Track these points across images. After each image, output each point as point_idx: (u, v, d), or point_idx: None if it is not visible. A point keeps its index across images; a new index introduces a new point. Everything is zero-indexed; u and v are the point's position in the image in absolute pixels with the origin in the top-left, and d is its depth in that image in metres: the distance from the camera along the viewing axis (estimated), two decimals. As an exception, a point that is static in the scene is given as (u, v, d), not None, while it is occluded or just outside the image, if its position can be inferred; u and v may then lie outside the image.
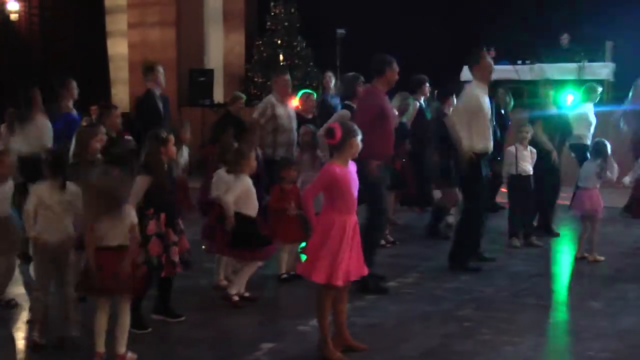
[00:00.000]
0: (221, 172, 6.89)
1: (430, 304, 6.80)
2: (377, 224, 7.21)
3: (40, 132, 8.09)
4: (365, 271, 5.58)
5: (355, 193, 5.45)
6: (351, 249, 5.36)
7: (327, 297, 5.40)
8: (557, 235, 9.58)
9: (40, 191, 5.58)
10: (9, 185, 6.34)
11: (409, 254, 8.72)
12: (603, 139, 8.60)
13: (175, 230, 5.91)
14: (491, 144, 7.83)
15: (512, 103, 10.63)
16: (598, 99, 10.61)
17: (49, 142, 8.06)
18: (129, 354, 5.33)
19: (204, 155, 8.42)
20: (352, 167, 5.52)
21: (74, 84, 9.04)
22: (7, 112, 8.99)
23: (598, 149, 8.40)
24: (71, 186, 5.60)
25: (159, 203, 5.77)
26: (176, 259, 5.86)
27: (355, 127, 5.53)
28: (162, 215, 5.77)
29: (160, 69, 9.13)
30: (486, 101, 7.78)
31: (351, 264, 5.36)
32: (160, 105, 9.00)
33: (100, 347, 5.24)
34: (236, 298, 6.63)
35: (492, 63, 7.89)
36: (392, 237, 9.09)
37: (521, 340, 5.81)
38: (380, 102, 7.19)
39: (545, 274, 7.98)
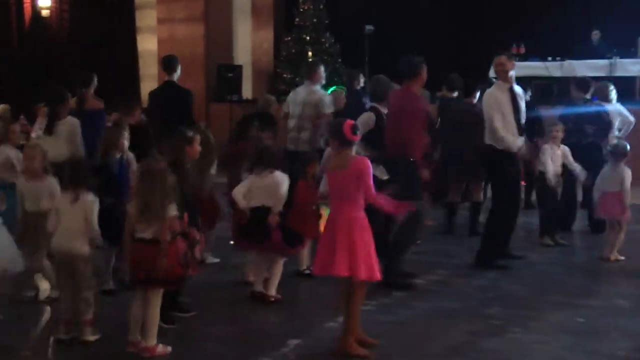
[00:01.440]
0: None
1: (457, 302, 6.77)
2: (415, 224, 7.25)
3: (70, 132, 8.11)
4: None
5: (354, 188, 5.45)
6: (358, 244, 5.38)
7: (362, 292, 5.47)
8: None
9: (59, 201, 5.66)
10: (47, 183, 6.38)
11: (434, 251, 8.68)
12: (623, 142, 8.54)
13: (197, 228, 5.95)
14: (517, 140, 7.77)
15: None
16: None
17: (78, 142, 8.06)
18: (160, 347, 5.38)
19: (232, 152, 8.42)
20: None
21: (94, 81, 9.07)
22: (38, 108, 9.05)
23: (618, 152, 8.30)
24: (87, 196, 5.63)
25: (183, 202, 5.78)
26: (199, 257, 5.90)
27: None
28: (185, 215, 5.79)
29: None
30: (505, 99, 7.73)
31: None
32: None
33: (135, 337, 5.32)
34: (274, 295, 6.68)
35: (505, 61, 7.82)
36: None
37: (549, 339, 5.77)
38: (425, 106, 7.27)
39: (574, 273, 7.90)
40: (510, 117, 7.70)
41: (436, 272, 7.75)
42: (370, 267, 5.36)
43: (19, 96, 16.15)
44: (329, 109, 9.25)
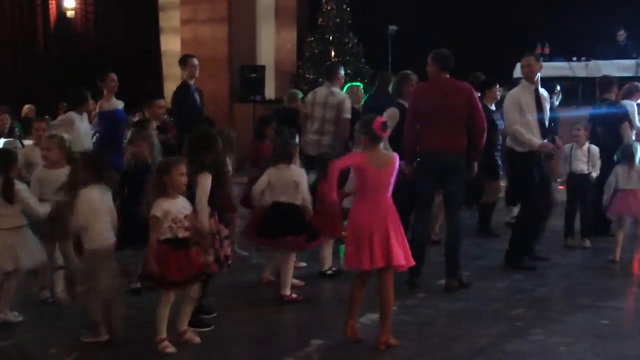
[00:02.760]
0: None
1: (481, 303, 6.73)
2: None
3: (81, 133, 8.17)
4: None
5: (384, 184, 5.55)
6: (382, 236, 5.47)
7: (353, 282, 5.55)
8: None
9: (89, 199, 5.57)
10: (64, 171, 6.40)
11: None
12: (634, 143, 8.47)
13: (225, 225, 5.97)
14: (540, 141, 7.72)
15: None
16: None
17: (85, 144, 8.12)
18: (189, 334, 5.47)
19: (252, 151, 8.46)
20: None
21: (113, 76, 9.14)
22: (61, 107, 9.14)
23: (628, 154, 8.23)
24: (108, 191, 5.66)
25: (214, 201, 5.79)
26: (229, 253, 5.91)
27: (366, 123, 5.60)
28: (215, 212, 5.81)
29: (195, 62, 9.29)
30: (530, 99, 7.67)
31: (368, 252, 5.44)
32: (197, 97, 9.17)
33: (163, 334, 5.36)
34: (289, 295, 6.68)
35: (533, 62, 7.76)
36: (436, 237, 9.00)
37: (574, 341, 5.72)
38: None
39: (599, 274, 7.83)
40: (534, 118, 7.66)
41: (461, 273, 7.69)
42: (408, 254, 5.62)
43: (45, 96, 16.31)
44: (348, 114, 9.19)
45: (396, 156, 5.64)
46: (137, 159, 6.73)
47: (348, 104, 9.27)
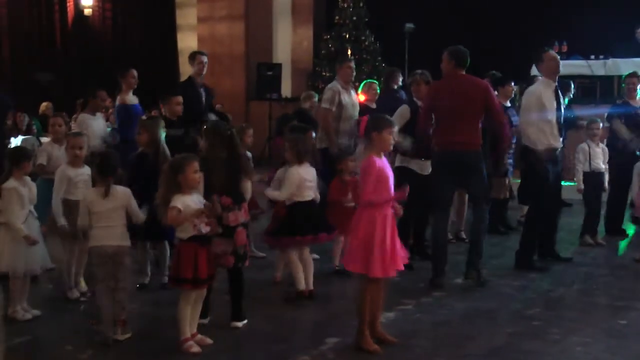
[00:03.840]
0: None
1: (497, 302, 6.69)
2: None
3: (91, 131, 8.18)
4: (401, 266, 5.50)
5: (392, 187, 5.41)
6: (390, 242, 5.34)
7: (369, 289, 5.41)
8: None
9: (90, 198, 5.66)
10: (86, 170, 6.47)
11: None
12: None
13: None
14: (558, 140, 7.68)
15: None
16: None
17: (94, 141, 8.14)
18: (199, 336, 5.44)
19: (273, 147, 8.47)
20: (385, 160, 5.48)
21: (134, 72, 9.17)
22: (78, 103, 9.18)
23: None
24: (117, 189, 5.66)
25: (236, 194, 5.78)
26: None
27: (384, 121, 5.44)
28: (244, 205, 5.80)
29: (203, 58, 9.29)
30: (550, 97, 7.63)
31: (390, 257, 5.34)
32: (203, 93, 9.17)
33: (186, 334, 5.34)
34: (302, 291, 6.67)
35: (557, 58, 7.72)
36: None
37: (592, 341, 5.67)
38: None
39: (617, 274, 7.77)
40: (554, 116, 7.61)
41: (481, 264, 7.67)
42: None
43: (62, 94, 16.38)
44: (325, 104, 9.09)
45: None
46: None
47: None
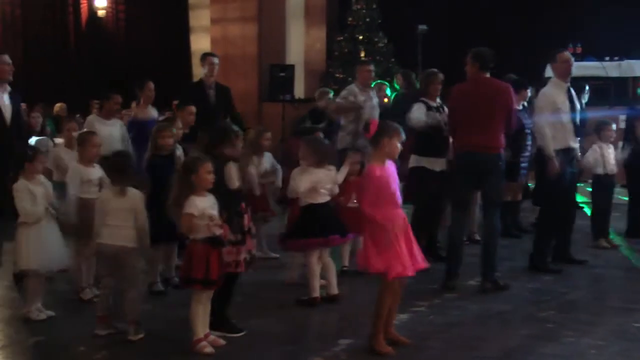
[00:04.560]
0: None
1: (510, 304, 6.67)
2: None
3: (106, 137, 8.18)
4: (423, 265, 5.50)
5: (397, 190, 5.40)
6: (405, 243, 5.35)
7: (390, 291, 5.41)
8: None
9: (104, 196, 5.72)
10: (96, 171, 6.49)
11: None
12: None
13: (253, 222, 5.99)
14: (572, 141, 7.65)
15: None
16: None
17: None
18: (212, 337, 5.43)
19: (287, 148, 8.47)
20: (390, 165, 5.45)
21: (151, 85, 9.03)
22: (92, 104, 9.17)
23: None
24: (132, 191, 5.69)
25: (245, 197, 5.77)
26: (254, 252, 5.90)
27: (395, 128, 5.43)
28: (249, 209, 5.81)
29: (213, 60, 9.30)
30: (563, 98, 7.59)
31: (407, 257, 5.34)
32: (212, 94, 9.15)
33: (199, 334, 5.34)
34: (315, 297, 6.66)
35: (570, 59, 7.69)
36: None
37: (606, 344, 5.64)
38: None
39: (630, 276, 7.74)
40: (568, 118, 7.58)
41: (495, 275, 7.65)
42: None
43: (76, 95, 16.45)
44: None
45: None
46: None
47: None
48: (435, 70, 8.23)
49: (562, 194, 7.66)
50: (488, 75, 7.16)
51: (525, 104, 9.36)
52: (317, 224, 6.58)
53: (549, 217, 7.80)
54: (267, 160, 7.90)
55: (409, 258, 5.35)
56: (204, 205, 5.25)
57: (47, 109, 14.26)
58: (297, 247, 6.82)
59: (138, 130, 8.57)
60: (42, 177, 6.25)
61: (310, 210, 6.61)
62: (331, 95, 10.29)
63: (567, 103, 7.58)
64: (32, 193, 6.05)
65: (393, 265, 5.26)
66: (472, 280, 7.27)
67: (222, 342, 5.47)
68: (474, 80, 7.21)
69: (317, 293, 6.62)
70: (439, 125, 7.79)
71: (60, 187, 6.67)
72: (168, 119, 8.26)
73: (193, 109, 8.16)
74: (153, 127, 8.27)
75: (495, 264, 7.15)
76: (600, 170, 8.70)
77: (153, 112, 9.06)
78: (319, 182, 6.60)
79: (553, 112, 7.53)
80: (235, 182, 5.56)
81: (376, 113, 9.00)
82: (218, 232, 5.29)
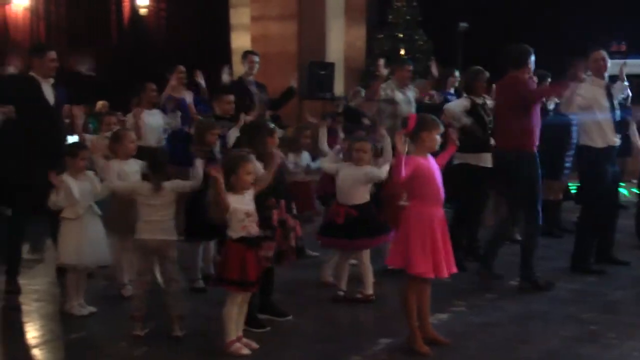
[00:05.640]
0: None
1: (551, 305, 6.60)
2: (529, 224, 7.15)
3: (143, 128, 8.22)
4: (454, 269, 5.46)
5: (440, 185, 5.37)
6: (442, 243, 5.31)
7: (413, 290, 5.38)
8: None
9: (141, 190, 5.74)
10: (132, 163, 6.54)
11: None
12: None
13: (292, 216, 5.98)
14: (614, 139, 7.55)
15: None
16: None
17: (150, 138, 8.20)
18: (245, 339, 5.40)
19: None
20: (432, 160, 5.44)
21: (180, 68, 9.16)
22: (133, 101, 9.22)
23: None
24: (167, 185, 5.71)
25: (278, 191, 5.78)
26: (294, 244, 5.91)
27: (434, 121, 5.42)
28: (282, 202, 5.81)
29: (254, 58, 9.31)
30: (602, 96, 7.52)
31: (442, 258, 5.31)
32: (254, 90, 9.21)
33: (232, 336, 5.33)
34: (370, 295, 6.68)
35: (603, 57, 7.59)
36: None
37: (649, 346, 5.57)
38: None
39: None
40: (608, 115, 7.50)
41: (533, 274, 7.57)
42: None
43: (117, 92, 16.60)
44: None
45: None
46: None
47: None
48: (481, 68, 8.19)
49: (603, 193, 7.56)
50: (517, 72, 7.07)
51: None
52: (357, 226, 6.57)
53: (590, 217, 7.71)
54: (305, 158, 7.91)
55: (446, 258, 5.33)
56: (240, 202, 5.24)
57: (90, 107, 14.42)
58: (329, 244, 6.86)
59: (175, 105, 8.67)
60: (89, 173, 6.32)
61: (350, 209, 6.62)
62: (363, 94, 10.27)
63: (605, 100, 7.51)
64: (69, 188, 6.11)
65: (415, 264, 5.25)
66: (513, 280, 7.21)
67: (255, 345, 5.43)
68: (502, 79, 7.30)
69: (370, 290, 6.66)
70: (470, 129, 7.77)
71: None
72: (209, 116, 8.29)
73: (230, 97, 8.17)
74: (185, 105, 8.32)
75: (531, 264, 7.08)
76: None
77: (188, 95, 9.09)
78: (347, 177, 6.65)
79: (593, 109, 7.47)
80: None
81: (412, 109, 8.99)
82: (254, 230, 5.27)
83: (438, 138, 5.40)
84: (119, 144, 6.60)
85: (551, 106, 9.11)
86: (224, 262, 5.32)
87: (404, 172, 5.17)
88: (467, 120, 7.75)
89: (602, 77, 7.61)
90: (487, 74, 8.09)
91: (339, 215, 6.61)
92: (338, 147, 7.23)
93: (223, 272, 5.29)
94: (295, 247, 5.97)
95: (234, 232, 5.26)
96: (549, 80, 9.15)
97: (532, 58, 7.09)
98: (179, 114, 8.66)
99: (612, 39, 13.92)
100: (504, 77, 7.21)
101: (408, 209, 5.40)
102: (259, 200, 5.45)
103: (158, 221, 5.67)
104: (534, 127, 7.02)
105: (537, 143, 7.06)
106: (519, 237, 8.71)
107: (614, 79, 8.07)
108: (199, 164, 5.87)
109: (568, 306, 6.58)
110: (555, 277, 7.45)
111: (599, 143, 7.47)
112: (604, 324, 6.08)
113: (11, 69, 7.05)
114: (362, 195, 6.66)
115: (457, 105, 7.98)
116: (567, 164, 9.11)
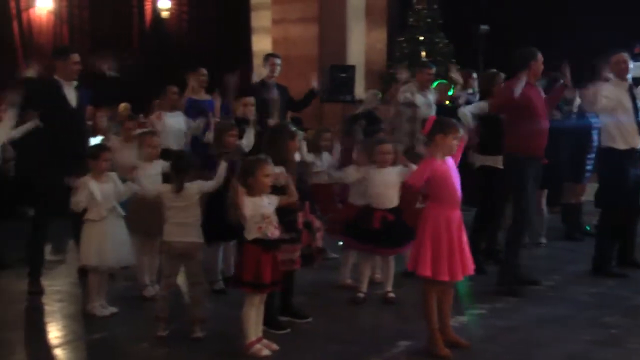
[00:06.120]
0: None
1: (573, 309, 6.57)
2: (518, 223, 7.06)
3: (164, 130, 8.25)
4: (472, 270, 5.46)
5: (457, 187, 5.35)
6: (458, 245, 5.30)
7: (432, 292, 5.38)
8: None
9: (164, 194, 5.77)
10: (156, 165, 6.59)
11: (550, 256, 8.51)
12: None
13: (317, 216, 5.99)
14: (637, 141, 7.49)
15: None
16: None
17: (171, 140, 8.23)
18: (265, 341, 5.41)
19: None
20: (450, 161, 5.40)
21: (202, 71, 9.15)
22: (154, 104, 9.27)
23: None
24: (189, 188, 5.73)
25: (301, 193, 5.78)
26: (321, 245, 5.92)
27: (451, 124, 5.38)
28: (307, 204, 5.83)
29: (276, 60, 9.36)
30: (625, 97, 7.47)
31: (458, 260, 5.29)
32: (275, 93, 9.23)
33: (252, 337, 5.34)
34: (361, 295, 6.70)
35: (625, 60, 7.54)
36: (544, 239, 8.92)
37: (673, 351, 5.53)
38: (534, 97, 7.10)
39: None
40: (632, 117, 7.46)
41: (551, 277, 7.56)
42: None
43: (139, 95, 16.69)
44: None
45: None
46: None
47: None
48: (496, 70, 8.17)
49: (624, 196, 7.52)
50: (524, 74, 6.96)
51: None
52: (377, 230, 6.58)
53: (610, 220, 7.66)
54: (326, 159, 7.91)
55: (461, 261, 5.31)
56: (258, 205, 5.24)
57: (112, 109, 14.48)
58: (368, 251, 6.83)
59: (194, 111, 8.69)
60: (113, 175, 6.36)
61: (367, 212, 6.64)
62: (379, 96, 10.28)
63: (629, 102, 7.47)
64: (90, 190, 6.15)
65: (423, 266, 5.26)
66: (534, 285, 7.18)
67: (275, 347, 5.44)
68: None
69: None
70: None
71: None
72: (228, 118, 8.32)
73: (251, 100, 8.19)
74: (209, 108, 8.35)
75: (508, 270, 7.04)
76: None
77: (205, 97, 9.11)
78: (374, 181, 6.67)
79: (616, 110, 7.43)
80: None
81: (433, 112, 8.99)
82: (271, 233, 5.25)
83: (455, 142, 5.35)
84: (141, 149, 6.67)
85: (575, 109, 9.06)
86: (240, 264, 5.36)
87: (420, 178, 5.22)
88: (472, 124, 7.72)
89: (625, 79, 7.58)
90: (503, 76, 8.05)
91: (374, 220, 6.59)
92: (334, 160, 7.39)
93: (239, 273, 5.33)
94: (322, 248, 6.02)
95: (250, 234, 5.27)
96: (561, 82, 9.11)
97: (537, 60, 7.03)
98: (204, 120, 8.68)
99: (635, 41, 13.79)
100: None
101: (425, 211, 5.41)
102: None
103: (183, 223, 5.70)
104: (531, 131, 6.93)
105: (535, 148, 6.97)
106: (543, 241, 8.71)
107: (637, 81, 8.02)
108: (222, 165, 5.90)
109: (589, 310, 6.55)
110: (576, 281, 7.45)
111: (622, 145, 7.43)
112: (626, 328, 6.04)
113: (30, 72, 7.11)
114: (396, 198, 6.67)
115: (474, 107, 7.93)
116: (588, 167, 9.06)
